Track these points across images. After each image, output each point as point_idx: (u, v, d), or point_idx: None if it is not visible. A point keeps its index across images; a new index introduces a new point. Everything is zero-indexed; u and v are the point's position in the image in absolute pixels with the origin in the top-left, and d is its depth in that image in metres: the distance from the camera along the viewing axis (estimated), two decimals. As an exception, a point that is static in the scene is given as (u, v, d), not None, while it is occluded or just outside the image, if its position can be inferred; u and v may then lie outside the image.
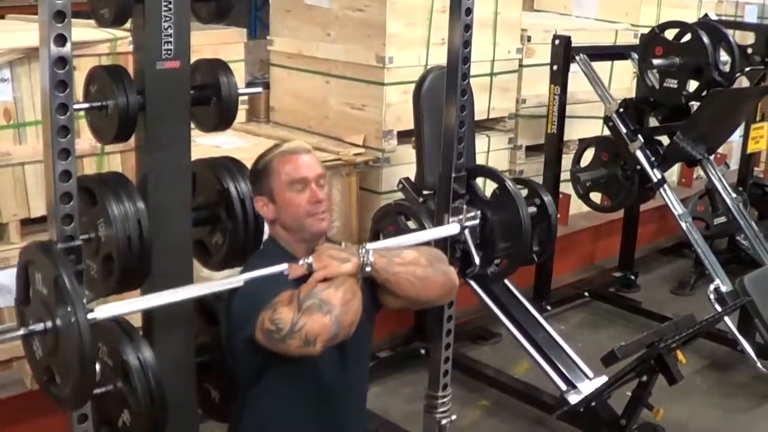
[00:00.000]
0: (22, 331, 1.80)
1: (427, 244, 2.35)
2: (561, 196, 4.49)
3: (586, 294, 4.76)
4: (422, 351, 3.83)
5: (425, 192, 3.54)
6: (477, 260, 2.49)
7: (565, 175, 4.47)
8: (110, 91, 1.99)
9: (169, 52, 2.00)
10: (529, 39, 4.49)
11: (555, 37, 4.26)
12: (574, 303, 4.69)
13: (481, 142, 4.15)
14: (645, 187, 4.27)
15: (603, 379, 3.25)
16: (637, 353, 2.91)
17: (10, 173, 2.87)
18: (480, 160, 4.01)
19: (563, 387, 3.36)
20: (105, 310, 1.80)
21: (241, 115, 2.29)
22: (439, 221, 2.50)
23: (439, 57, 3.49)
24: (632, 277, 4.93)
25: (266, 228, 2.19)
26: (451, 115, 2.42)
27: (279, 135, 3.90)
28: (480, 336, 4.21)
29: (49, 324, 1.74)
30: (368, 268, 1.97)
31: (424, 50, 3.90)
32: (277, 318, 1.87)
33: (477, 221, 2.48)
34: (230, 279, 2.03)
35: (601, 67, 4.49)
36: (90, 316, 1.70)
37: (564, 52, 4.21)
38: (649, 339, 2.90)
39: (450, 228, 2.45)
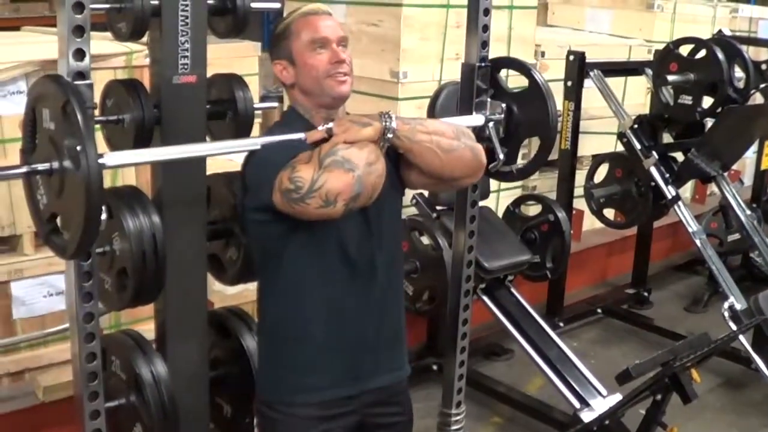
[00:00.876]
0: (25, 169, 1.70)
1: None
2: (574, 212, 4.48)
3: (599, 311, 4.72)
4: (434, 367, 3.81)
5: (439, 208, 3.54)
6: (501, 155, 2.39)
7: (578, 191, 4.45)
8: (126, 104, 2.00)
9: (185, 66, 2.01)
10: (542, 54, 4.49)
11: (569, 52, 4.26)
12: (586, 319, 4.66)
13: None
14: (659, 204, 4.25)
15: (617, 397, 3.22)
16: (652, 372, 2.89)
17: (25, 185, 2.87)
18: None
19: (576, 404, 3.34)
20: (115, 158, 1.73)
21: (255, 128, 2.29)
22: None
23: (454, 72, 3.48)
24: (645, 294, 4.91)
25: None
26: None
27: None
28: (493, 352, 4.19)
29: (55, 164, 1.65)
30: (390, 134, 1.86)
31: (438, 65, 3.90)
32: (296, 176, 1.78)
33: (502, 115, 2.39)
34: (247, 140, 1.96)
35: (614, 83, 4.48)
36: (100, 161, 1.60)
37: (578, 68, 4.20)
38: (664, 358, 2.87)
39: (475, 119, 2.37)
